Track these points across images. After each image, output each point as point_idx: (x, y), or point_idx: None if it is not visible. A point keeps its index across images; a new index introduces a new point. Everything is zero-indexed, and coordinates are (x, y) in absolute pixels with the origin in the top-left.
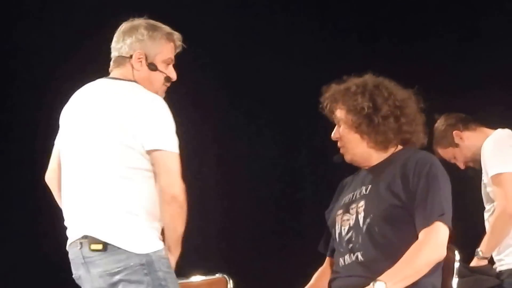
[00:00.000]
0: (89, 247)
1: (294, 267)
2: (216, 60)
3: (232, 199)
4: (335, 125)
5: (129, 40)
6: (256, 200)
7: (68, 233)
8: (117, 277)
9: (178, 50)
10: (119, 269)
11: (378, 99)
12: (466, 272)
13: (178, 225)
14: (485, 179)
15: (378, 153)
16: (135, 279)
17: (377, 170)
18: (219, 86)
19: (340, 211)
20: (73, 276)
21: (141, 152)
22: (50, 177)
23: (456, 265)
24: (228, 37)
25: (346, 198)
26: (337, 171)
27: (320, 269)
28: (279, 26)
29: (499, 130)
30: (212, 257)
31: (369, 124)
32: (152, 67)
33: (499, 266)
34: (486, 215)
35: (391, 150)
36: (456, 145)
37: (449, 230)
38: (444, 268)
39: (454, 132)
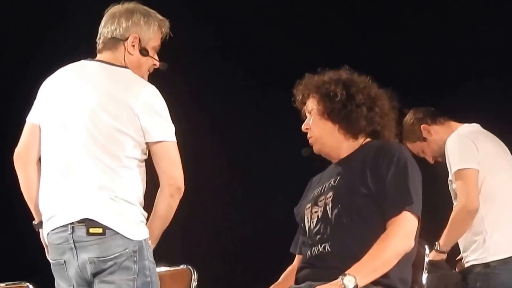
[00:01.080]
0: (87, 231)
1: (260, 260)
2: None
3: (198, 191)
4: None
5: (125, 23)
6: (221, 193)
7: (49, 218)
8: (110, 263)
9: (163, 38)
10: (116, 254)
11: (352, 88)
12: (431, 267)
13: (171, 215)
14: (450, 175)
15: (348, 142)
16: (126, 265)
17: (346, 161)
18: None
19: (309, 205)
20: (52, 262)
21: (139, 142)
22: (25, 154)
23: (427, 259)
24: None
25: (315, 192)
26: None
27: (289, 268)
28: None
29: (465, 125)
30: (177, 249)
31: (342, 110)
32: (144, 52)
33: (466, 263)
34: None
35: (361, 141)
36: (424, 139)
37: (418, 220)
38: (414, 263)
39: (422, 126)
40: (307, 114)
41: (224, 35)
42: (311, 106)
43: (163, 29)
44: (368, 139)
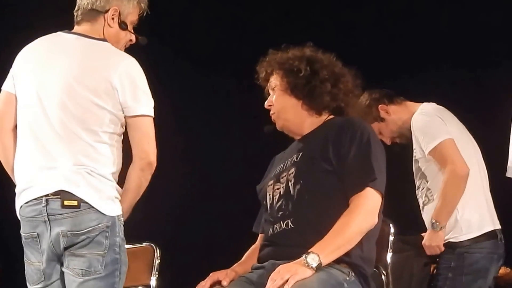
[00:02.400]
0: (62, 203)
1: (223, 239)
2: None
3: (161, 168)
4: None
5: None
6: (185, 170)
7: (22, 190)
8: (82, 237)
9: (141, 14)
10: (89, 229)
11: (316, 64)
12: (401, 246)
13: (143, 190)
14: (417, 154)
15: (311, 118)
16: (98, 240)
17: (308, 138)
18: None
19: (271, 182)
20: (25, 235)
21: (117, 116)
22: None
23: (391, 238)
24: None
25: (277, 169)
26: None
27: (252, 247)
28: None
29: (425, 104)
30: (140, 226)
31: (306, 85)
32: (123, 26)
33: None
34: (418, 192)
35: (324, 118)
36: (382, 120)
37: (382, 196)
38: (378, 241)
39: (379, 107)
40: (270, 91)
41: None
42: (275, 82)
43: (142, 5)
44: (331, 116)
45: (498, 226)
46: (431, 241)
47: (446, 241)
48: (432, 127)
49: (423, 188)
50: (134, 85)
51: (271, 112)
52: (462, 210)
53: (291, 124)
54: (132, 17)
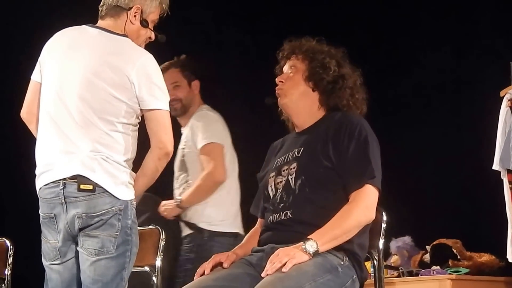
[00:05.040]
0: (78, 187)
1: None
2: None
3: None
4: None
5: None
6: None
7: (41, 173)
8: (96, 219)
9: (162, 15)
10: (102, 211)
11: (344, 69)
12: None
13: (157, 176)
14: (186, 147)
15: (314, 112)
16: (111, 222)
17: (308, 132)
18: None
19: (273, 174)
20: (43, 215)
21: (133, 108)
22: (28, 111)
23: (383, 226)
24: None
25: (278, 161)
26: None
27: (252, 230)
28: None
29: (204, 106)
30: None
31: (330, 83)
32: (144, 23)
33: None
34: (175, 182)
35: (323, 113)
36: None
37: (379, 192)
38: (372, 228)
39: (193, 83)
40: (286, 69)
41: None
42: (298, 65)
43: (163, 5)
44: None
45: (242, 233)
46: (169, 211)
47: (193, 224)
48: (215, 128)
49: (183, 180)
50: (150, 81)
51: (279, 86)
52: (209, 207)
53: (293, 106)
54: (153, 16)
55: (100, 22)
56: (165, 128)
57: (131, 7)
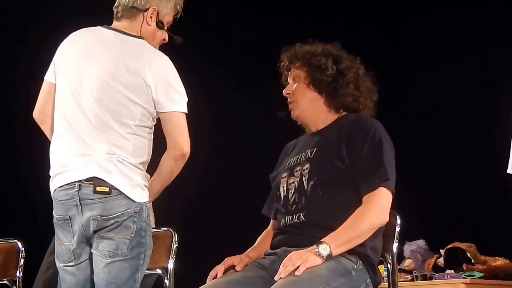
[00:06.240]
0: (94, 189)
1: (237, 224)
2: None
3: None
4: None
5: None
6: (203, 156)
7: (56, 175)
8: (111, 221)
9: (176, 16)
10: (118, 214)
11: (341, 64)
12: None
13: (173, 177)
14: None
15: (327, 115)
16: (126, 224)
17: (322, 133)
18: None
19: (285, 174)
20: (57, 217)
21: (149, 111)
22: (41, 112)
23: (397, 229)
24: None
25: (291, 161)
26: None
27: (264, 232)
28: None
29: None
30: (159, 211)
31: (331, 83)
32: (160, 25)
33: None
34: None
35: (337, 115)
36: None
37: (393, 195)
38: (386, 232)
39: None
40: (290, 80)
41: None
42: (298, 73)
43: (178, 7)
44: (344, 113)
45: None
46: None
47: None
48: None
49: None
50: (166, 83)
51: (288, 100)
52: None
53: (307, 116)
54: (168, 18)
55: (115, 24)
56: (180, 129)
57: (148, 9)
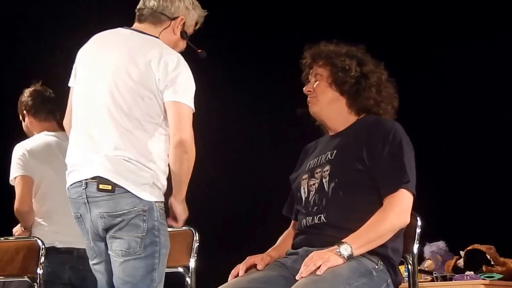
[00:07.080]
0: (97, 187)
1: (259, 223)
2: None
3: (201, 156)
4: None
5: (177, 4)
6: (222, 154)
7: (69, 172)
8: (118, 219)
9: (195, 28)
10: (124, 211)
11: (366, 67)
12: None
13: (181, 169)
14: None
15: (347, 116)
16: (134, 222)
17: (342, 135)
18: None
19: (306, 176)
20: (73, 215)
21: (161, 108)
22: (68, 121)
23: (418, 231)
24: None
25: (311, 163)
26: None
27: (285, 232)
28: None
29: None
30: None
31: (354, 85)
32: (184, 35)
33: None
34: None
35: (357, 117)
36: None
37: (414, 196)
38: (407, 234)
39: None
40: (311, 78)
41: None
42: (321, 72)
43: (199, 20)
44: (363, 114)
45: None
46: None
47: None
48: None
49: None
50: (174, 75)
51: (309, 96)
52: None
53: (325, 115)
54: (191, 29)
55: (136, 25)
56: (179, 116)
57: (176, 17)
